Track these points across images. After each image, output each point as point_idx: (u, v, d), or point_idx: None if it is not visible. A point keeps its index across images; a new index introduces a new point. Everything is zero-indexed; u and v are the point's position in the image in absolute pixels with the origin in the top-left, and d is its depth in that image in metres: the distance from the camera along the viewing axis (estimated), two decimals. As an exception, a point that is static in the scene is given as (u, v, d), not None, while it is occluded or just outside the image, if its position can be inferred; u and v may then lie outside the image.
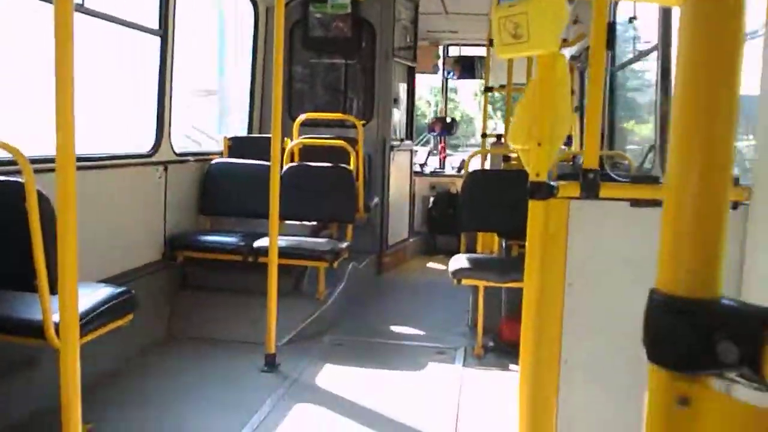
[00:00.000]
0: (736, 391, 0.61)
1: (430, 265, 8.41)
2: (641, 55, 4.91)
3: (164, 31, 5.11)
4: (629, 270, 2.55)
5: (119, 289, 3.51)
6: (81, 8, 3.98)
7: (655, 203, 2.50)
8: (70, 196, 2.24)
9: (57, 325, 2.82)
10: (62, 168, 2.21)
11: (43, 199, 2.75)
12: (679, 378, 0.60)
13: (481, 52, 9.35)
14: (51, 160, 3.40)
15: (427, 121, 12.21)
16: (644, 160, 4.57)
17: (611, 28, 2.40)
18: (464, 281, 4.82)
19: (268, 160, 4.70)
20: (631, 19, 4.87)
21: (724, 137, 0.60)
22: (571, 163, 6.65)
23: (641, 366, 2.15)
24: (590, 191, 2.44)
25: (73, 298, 2.34)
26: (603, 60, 2.47)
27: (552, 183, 2.38)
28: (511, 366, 4.63)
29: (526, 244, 2.49)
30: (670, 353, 0.60)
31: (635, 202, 2.50)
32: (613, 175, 2.72)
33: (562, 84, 2.36)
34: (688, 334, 0.58)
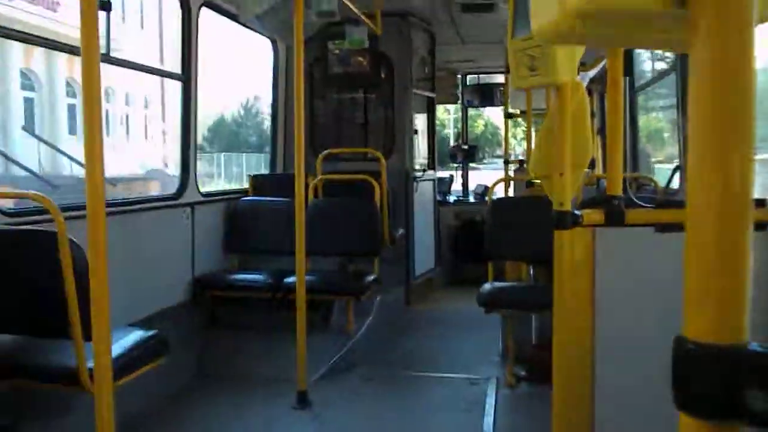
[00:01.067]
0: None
1: (458, 294, 8.36)
2: (660, 77, 4.90)
3: (187, 75, 5.22)
4: (657, 295, 2.52)
5: (150, 332, 3.54)
6: (107, 58, 4.10)
7: (681, 228, 2.48)
8: (101, 243, 2.29)
9: (91, 371, 2.87)
10: (93, 216, 2.27)
11: (75, 247, 2.81)
12: (709, 428, 0.60)
13: (499, 79, 9.40)
14: (80, 207, 3.48)
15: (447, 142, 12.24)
16: (670, 180, 4.53)
17: (628, 54, 2.40)
18: (493, 311, 4.79)
19: (292, 196, 4.75)
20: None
21: (743, 179, 0.61)
22: (596, 186, 6.61)
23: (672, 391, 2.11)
24: (615, 219, 2.43)
25: (107, 345, 2.37)
26: (621, 88, 2.48)
27: (576, 212, 2.38)
28: (545, 394, 4.56)
29: (554, 272, 2.48)
30: (699, 402, 0.59)
31: (660, 228, 2.48)
32: (636, 201, 2.70)
33: (581, 112, 2.38)
34: (715, 383, 0.58)
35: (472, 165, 11.24)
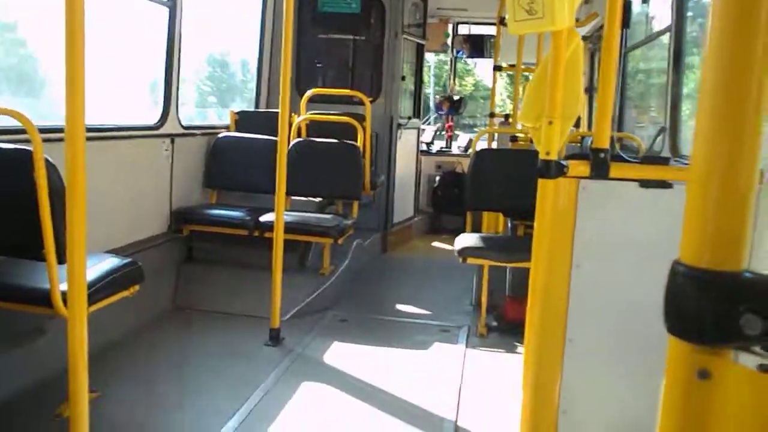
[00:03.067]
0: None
1: (435, 244, 8.42)
2: (654, 36, 4.86)
3: (173, 1, 5.06)
4: (637, 250, 2.55)
5: (126, 260, 3.52)
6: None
7: (665, 184, 2.49)
8: (80, 166, 2.24)
9: (64, 294, 2.84)
10: (72, 137, 2.21)
11: (51, 168, 2.75)
12: (699, 351, 0.60)
13: (491, 30, 9.26)
14: (59, 130, 3.40)
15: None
16: (654, 141, 4.54)
17: (627, 6, 2.36)
18: (470, 260, 4.82)
19: (274, 135, 4.68)
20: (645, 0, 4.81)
21: (754, 111, 0.59)
22: (579, 144, 6.61)
23: (646, 345, 2.15)
24: (600, 171, 2.43)
25: (81, 268, 2.34)
26: (617, 39, 2.44)
27: (562, 162, 2.37)
28: (515, 346, 4.65)
29: (534, 222, 2.49)
30: (692, 326, 0.59)
31: (645, 183, 2.49)
32: (623, 156, 2.70)
33: (575, 62, 2.34)
34: (712, 306, 0.58)
35: (456, 132, 11.16)
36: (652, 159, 2.61)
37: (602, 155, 2.42)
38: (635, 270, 2.54)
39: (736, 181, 0.60)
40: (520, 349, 4.52)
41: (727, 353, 0.59)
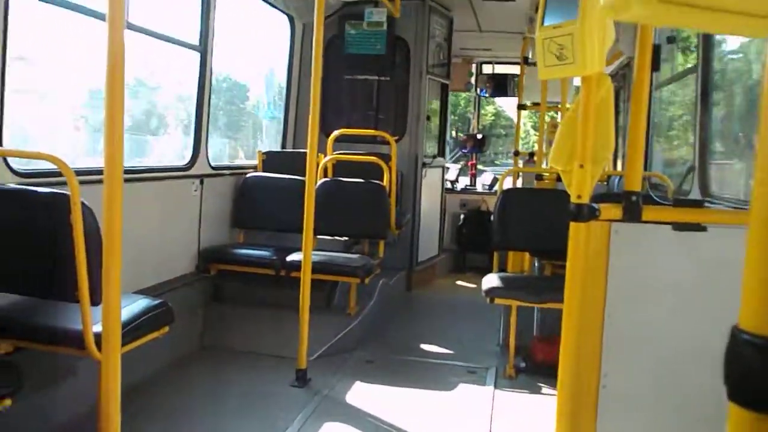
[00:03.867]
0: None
1: (460, 282, 8.38)
2: (681, 75, 4.87)
3: (204, 46, 5.19)
4: (671, 294, 2.52)
5: (156, 301, 3.55)
6: (129, 25, 4.07)
7: (699, 227, 2.46)
8: (117, 208, 2.28)
9: (96, 336, 2.87)
10: (110, 180, 2.25)
11: (87, 212, 2.80)
12: (764, 420, 0.58)
13: (514, 69, 9.35)
14: (94, 172, 3.47)
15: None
16: (683, 181, 4.51)
17: (656, 49, 2.37)
18: (497, 300, 4.78)
19: (301, 174, 4.72)
20: (670, 40, 4.83)
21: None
22: (606, 183, 6.59)
23: (683, 392, 2.11)
24: (633, 214, 2.41)
25: (116, 311, 2.37)
26: (647, 82, 2.45)
27: (594, 206, 2.36)
28: (544, 388, 4.57)
29: (567, 266, 2.47)
30: (756, 395, 0.58)
31: (678, 226, 2.46)
32: (655, 198, 2.69)
33: (606, 105, 2.35)
34: (773, 377, 0.57)
35: (480, 168, 11.21)
36: (685, 201, 2.59)
37: (634, 198, 2.41)
38: (670, 314, 2.51)
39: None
40: (549, 391, 4.45)
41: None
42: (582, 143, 2.31)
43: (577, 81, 8.35)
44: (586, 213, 2.35)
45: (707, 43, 4.17)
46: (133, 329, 3.19)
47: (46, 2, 3.57)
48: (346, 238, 6.32)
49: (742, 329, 0.60)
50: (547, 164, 7.39)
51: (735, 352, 0.60)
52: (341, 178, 6.07)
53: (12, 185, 3.08)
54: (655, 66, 2.37)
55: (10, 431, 3.09)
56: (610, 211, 2.42)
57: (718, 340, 2.22)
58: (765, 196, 0.61)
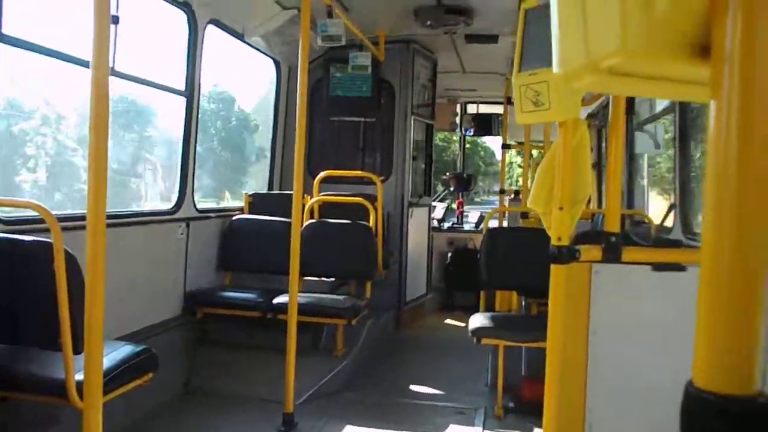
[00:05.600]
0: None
1: (448, 321, 8.35)
2: (658, 116, 4.96)
3: (190, 92, 5.25)
4: (653, 333, 2.54)
5: (140, 347, 3.52)
6: (114, 72, 4.12)
7: (678, 267, 2.50)
8: (100, 257, 2.28)
9: (78, 384, 2.84)
10: (93, 229, 2.26)
11: (70, 259, 2.79)
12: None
13: (498, 109, 9.48)
14: (76, 218, 3.47)
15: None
16: (664, 219, 4.56)
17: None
18: (484, 340, 4.78)
19: (288, 216, 4.74)
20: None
21: (761, 224, 0.62)
22: (590, 220, 6.64)
23: (669, 429, 2.11)
24: (612, 255, 2.45)
25: (98, 359, 2.35)
26: (623, 123, 2.51)
27: (574, 248, 2.39)
28: (532, 428, 4.55)
29: (549, 306, 2.49)
30: (709, 451, 0.60)
31: (658, 266, 2.50)
32: (634, 238, 2.72)
33: (582, 149, 2.40)
34: (723, 433, 0.58)
35: (466, 208, 11.29)
36: (665, 242, 2.63)
37: (614, 239, 2.45)
38: (652, 354, 2.53)
39: (744, 285, 0.62)
40: (538, 431, 4.41)
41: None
42: (560, 187, 2.36)
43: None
44: (566, 255, 2.38)
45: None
46: (115, 377, 3.16)
47: (30, 50, 3.60)
48: (333, 279, 6.32)
49: (694, 384, 0.62)
50: (531, 203, 7.45)
51: (688, 406, 0.62)
52: (328, 220, 6.09)
53: None
54: (630, 109, 2.43)
55: (-10, 483, 3.03)
56: (590, 252, 2.45)
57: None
58: (712, 246, 0.64)
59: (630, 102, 2.41)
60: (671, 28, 0.62)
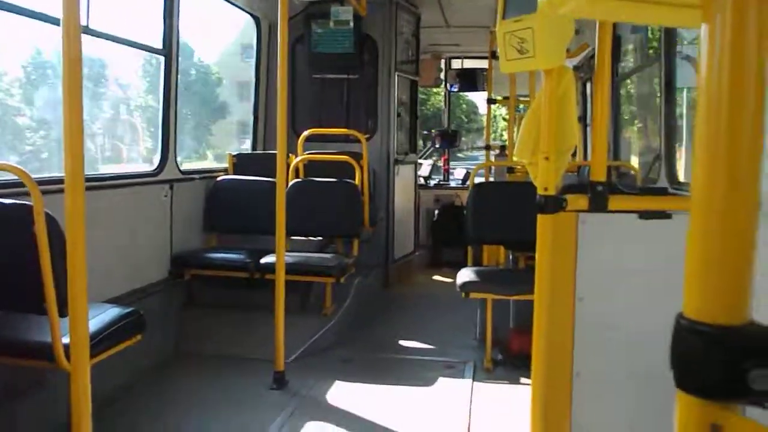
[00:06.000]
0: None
1: (436, 277, 8.40)
2: (644, 66, 4.92)
3: (168, 50, 5.13)
4: (639, 281, 2.55)
5: (127, 310, 3.50)
6: (87, 30, 4.01)
7: (664, 215, 2.50)
8: (80, 217, 2.24)
9: (66, 347, 2.83)
10: (71, 189, 2.22)
11: (51, 221, 2.75)
12: (709, 405, 0.59)
13: (483, 64, 9.39)
14: (57, 181, 3.41)
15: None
16: (650, 169, 4.56)
17: (616, 41, 2.40)
18: (472, 294, 4.80)
19: (272, 176, 4.70)
20: (634, 30, 4.87)
21: (751, 156, 0.60)
22: (576, 173, 6.65)
23: (654, 376, 2.13)
24: (599, 204, 2.44)
25: (83, 321, 2.33)
26: (608, 73, 2.47)
27: (560, 197, 2.38)
28: (522, 379, 4.61)
29: (536, 257, 2.49)
30: (700, 381, 0.59)
31: (644, 214, 2.49)
32: (621, 187, 2.71)
33: (568, 98, 2.37)
34: (718, 362, 0.57)
35: (452, 165, 11.26)
36: (651, 190, 2.62)
37: (600, 188, 2.43)
38: (639, 301, 2.54)
39: (736, 220, 0.61)
40: (527, 381, 4.48)
41: (738, 408, 0.59)
42: (545, 136, 2.33)
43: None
44: (552, 205, 2.37)
45: (670, 31, 4.23)
46: (103, 339, 3.15)
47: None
48: (320, 238, 6.30)
49: (686, 316, 0.61)
50: (517, 157, 7.44)
51: (679, 339, 0.61)
52: (313, 178, 6.05)
53: None
54: (616, 56, 2.39)
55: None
56: (576, 201, 2.44)
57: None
58: (704, 178, 0.62)
59: (615, 48, 2.37)
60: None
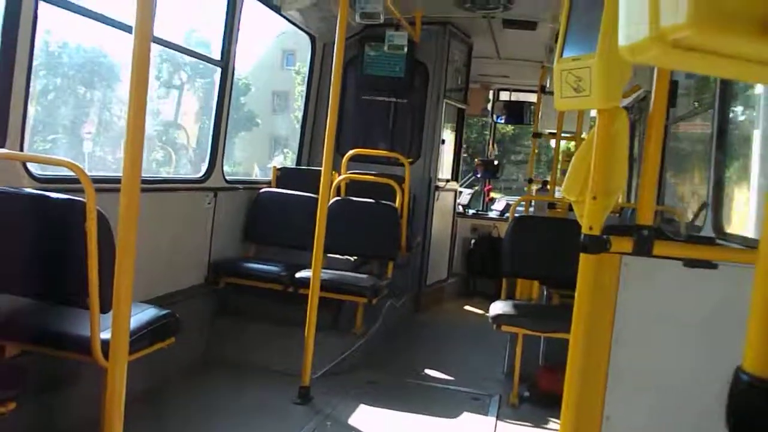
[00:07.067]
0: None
1: (467, 307, 8.34)
2: (699, 111, 4.87)
3: (225, 62, 5.26)
4: (678, 330, 2.51)
5: (164, 311, 3.56)
6: (155, 38, 4.13)
7: (710, 265, 2.46)
8: (133, 217, 2.30)
9: (104, 343, 2.89)
10: (128, 190, 2.28)
11: (101, 219, 2.83)
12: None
13: (531, 98, 9.39)
14: (110, 181, 3.51)
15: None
16: (695, 217, 4.49)
17: (674, 85, 2.39)
18: (504, 327, 4.76)
19: (314, 192, 4.75)
20: (689, 75, 4.84)
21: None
22: (618, 214, 6.57)
23: (684, 428, 2.09)
24: (643, 248, 2.41)
25: (126, 319, 2.39)
26: (663, 117, 2.46)
27: (605, 238, 2.36)
28: (548, 419, 4.53)
29: (575, 296, 2.46)
30: (758, 437, 0.58)
31: (689, 262, 2.46)
32: (667, 233, 2.68)
33: (620, 138, 2.36)
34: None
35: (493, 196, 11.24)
36: (697, 238, 2.58)
37: (646, 232, 2.41)
38: (677, 350, 2.50)
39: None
40: (553, 423, 4.40)
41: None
42: (595, 175, 2.32)
43: (593, 112, 8.41)
44: (596, 245, 2.35)
45: (725, 79, 4.18)
46: (139, 338, 3.21)
47: (76, 13, 3.62)
48: (355, 258, 6.33)
49: (746, 371, 0.61)
50: (560, 193, 7.40)
51: (737, 393, 0.61)
52: (354, 198, 6.10)
53: (30, 190, 3.12)
54: (672, 102, 2.38)
55: (13, 434, 3.09)
56: (620, 243, 2.42)
57: (723, 380, 2.19)
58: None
59: (673, 93, 2.36)
60: (742, 2, 0.60)
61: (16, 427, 3.00)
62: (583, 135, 6.53)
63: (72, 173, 2.90)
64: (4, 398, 2.60)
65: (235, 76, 5.98)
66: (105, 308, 2.87)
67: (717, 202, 4.03)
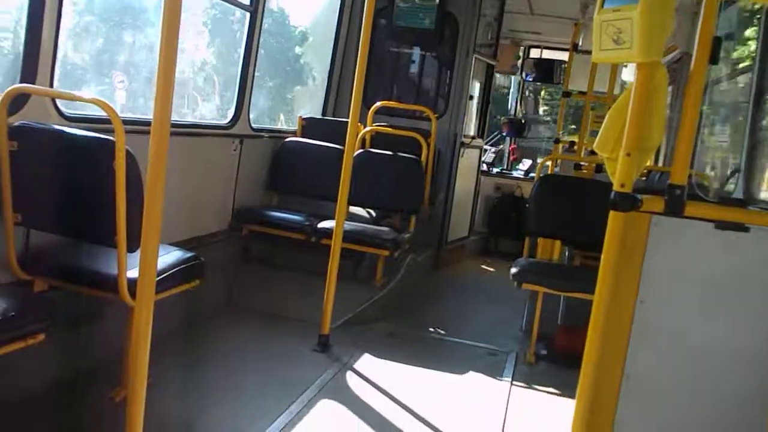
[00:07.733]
0: None
1: (486, 266, 8.35)
2: (737, 73, 4.74)
3: (254, 7, 5.19)
4: (706, 291, 2.49)
5: (190, 254, 3.60)
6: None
7: (742, 227, 2.42)
8: (162, 159, 2.30)
9: (130, 282, 2.93)
10: (158, 131, 2.27)
11: (130, 158, 2.84)
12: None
13: (562, 56, 9.20)
14: (140, 122, 3.52)
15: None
16: (726, 182, 4.41)
17: (717, 42, 2.32)
18: (525, 285, 4.75)
19: (339, 143, 4.72)
20: (729, 36, 4.70)
21: None
22: (645, 178, 6.48)
23: (707, 388, 2.09)
24: (675, 208, 2.38)
25: (153, 258, 2.41)
26: (704, 74, 2.40)
27: (636, 196, 2.33)
28: (562, 377, 4.54)
29: (602, 255, 2.44)
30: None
31: (720, 224, 2.42)
32: (700, 194, 2.64)
33: (659, 95, 2.30)
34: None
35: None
36: (730, 200, 2.55)
37: (678, 192, 2.37)
38: (702, 311, 2.48)
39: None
40: (570, 381, 4.41)
41: None
42: (631, 131, 2.27)
43: (624, 74, 8.21)
44: (627, 203, 2.32)
45: (766, 38, 4.06)
46: (166, 279, 3.25)
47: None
48: (378, 211, 6.33)
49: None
50: (586, 153, 7.30)
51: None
52: (378, 150, 6.07)
53: (60, 127, 3.13)
54: (714, 59, 2.31)
55: (41, 366, 3.18)
56: (651, 203, 2.39)
57: (749, 340, 2.18)
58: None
59: (715, 51, 2.28)
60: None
61: (45, 359, 3.08)
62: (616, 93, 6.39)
63: (102, 114, 2.90)
64: (34, 330, 2.66)
65: (292, 25, 5.93)
66: (132, 247, 2.90)
67: (750, 167, 3.95)
